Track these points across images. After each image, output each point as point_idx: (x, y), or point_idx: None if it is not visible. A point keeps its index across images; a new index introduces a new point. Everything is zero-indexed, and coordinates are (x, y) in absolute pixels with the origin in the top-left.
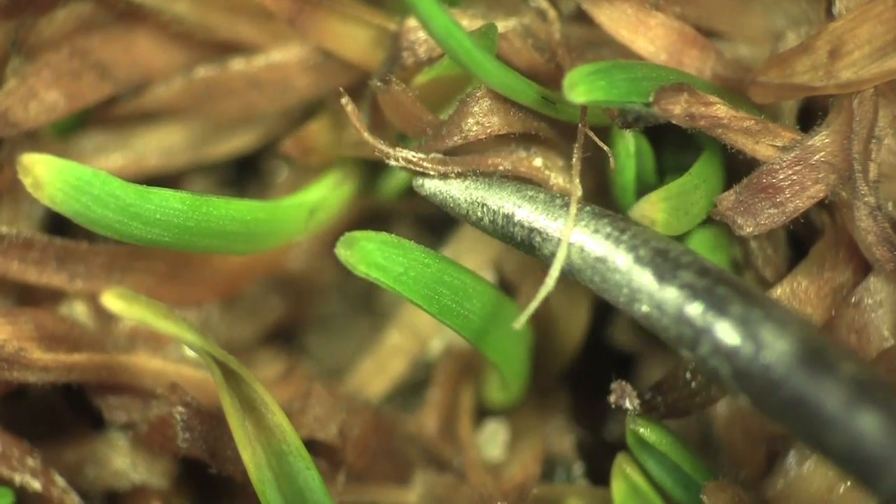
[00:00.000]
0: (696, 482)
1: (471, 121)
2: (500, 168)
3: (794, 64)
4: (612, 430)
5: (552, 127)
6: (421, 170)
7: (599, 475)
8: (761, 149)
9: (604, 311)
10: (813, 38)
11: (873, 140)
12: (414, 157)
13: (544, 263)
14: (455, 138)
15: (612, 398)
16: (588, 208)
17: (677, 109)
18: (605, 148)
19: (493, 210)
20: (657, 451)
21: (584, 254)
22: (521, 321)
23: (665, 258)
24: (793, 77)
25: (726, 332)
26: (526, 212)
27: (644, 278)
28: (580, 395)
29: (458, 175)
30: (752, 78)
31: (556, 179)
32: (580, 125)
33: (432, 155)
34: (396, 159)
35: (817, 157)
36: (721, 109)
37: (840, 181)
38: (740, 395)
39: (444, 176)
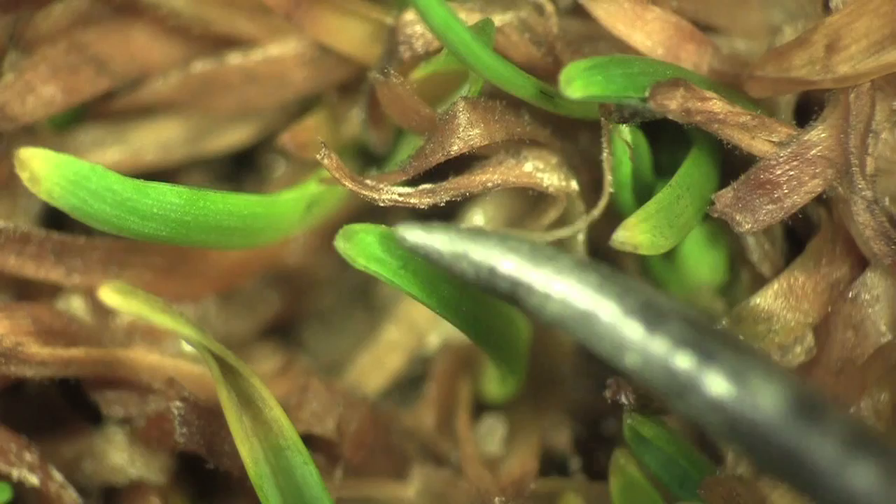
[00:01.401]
0: (694, 477)
1: (451, 137)
2: (490, 184)
3: (791, 58)
4: (609, 425)
5: (543, 124)
6: (410, 205)
7: (597, 470)
8: (757, 144)
9: None
10: (810, 32)
11: (870, 134)
12: (402, 194)
13: (529, 316)
14: (437, 156)
15: (609, 393)
16: (574, 259)
17: (673, 105)
18: (626, 142)
19: (477, 262)
20: (654, 446)
21: (568, 306)
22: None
23: (651, 309)
24: (790, 71)
25: (715, 384)
26: (510, 263)
27: (630, 331)
28: (578, 390)
29: (441, 227)
30: (749, 72)
31: (551, 180)
32: (602, 119)
33: (421, 187)
34: (384, 201)
35: (814, 151)
36: (717, 105)
37: (837, 176)
38: (732, 446)
39: (427, 228)
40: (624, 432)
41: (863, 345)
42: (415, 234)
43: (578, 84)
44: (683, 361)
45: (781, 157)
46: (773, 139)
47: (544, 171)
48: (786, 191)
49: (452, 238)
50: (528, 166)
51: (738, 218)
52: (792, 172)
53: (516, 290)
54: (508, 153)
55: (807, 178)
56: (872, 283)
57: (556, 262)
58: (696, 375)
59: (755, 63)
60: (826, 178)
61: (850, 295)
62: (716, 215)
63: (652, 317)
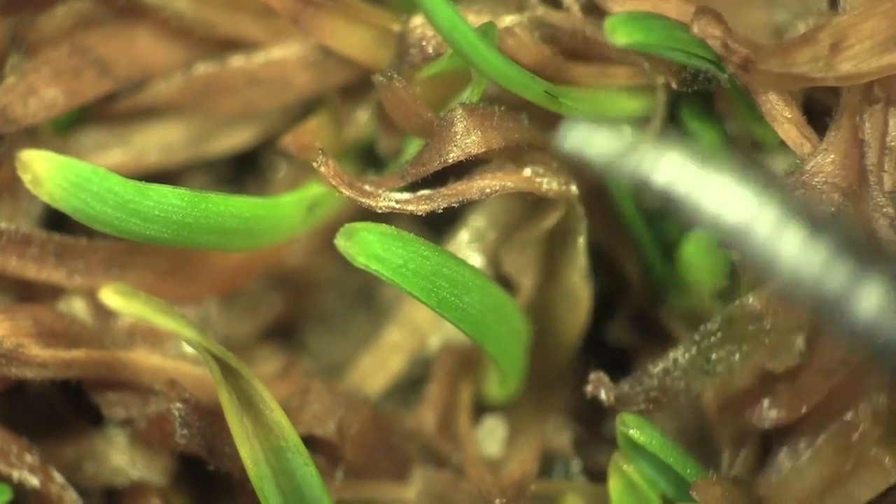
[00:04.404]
0: (689, 481)
1: (448, 145)
2: (488, 190)
3: (795, 54)
4: (610, 426)
5: (544, 128)
6: (408, 212)
7: (598, 472)
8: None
9: (604, 307)
10: (816, 30)
11: (886, 150)
12: (399, 200)
13: (687, 223)
14: (435, 164)
15: (589, 388)
16: (729, 161)
17: (717, 32)
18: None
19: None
20: (648, 452)
21: (725, 210)
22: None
23: (811, 215)
24: (793, 67)
25: (870, 297)
26: (671, 163)
27: (790, 237)
28: (578, 392)
29: (604, 126)
30: (753, 65)
31: (550, 185)
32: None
33: (419, 193)
34: (381, 207)
35: (818, 178)
36: (751, 54)
37: (845, 199)
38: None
39: (589, 128)
40: (617, 438)
41: None
42: (576, 135)
43: (623, 30)
44: (839, 272)
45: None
46: (787, 115)
47: (543, 176)
48: None
49: (615, 137)
50: (527, 171)
51: None
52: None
53: (673, 190)
54: (508, 157)
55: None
56: None
57: (715, 162)
58: (850, 288)
59: (759, 57)
60: (833, 202)
61: None
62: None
63: (810, 224)
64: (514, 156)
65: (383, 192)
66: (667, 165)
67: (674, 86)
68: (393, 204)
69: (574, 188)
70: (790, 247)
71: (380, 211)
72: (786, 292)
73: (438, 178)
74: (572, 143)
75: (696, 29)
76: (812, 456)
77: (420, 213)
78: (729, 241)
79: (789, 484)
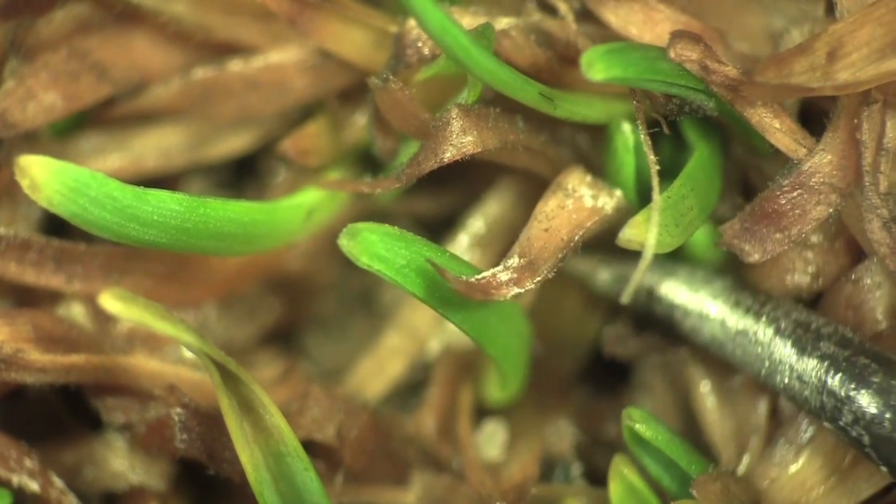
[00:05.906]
0: (693, 477)
1: (444, 144)
2: (577, 237)
3: (792, 64)
4: (610, 430)
5: (538, 131)
6: (524, 290)
7: (598, 475)
8: (763, 120)
9: (606, 313)
10: (812, 39)
11: (882, 152)
12: (513, 281)
13: (685, 339)
14: (430, 164)
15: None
16: (729, 281)
17: (694, 55)
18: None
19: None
20: (653, 448)
21: (725, 328)
22: (626, 295)
23: (806, 330)
24: (790, 77)
25: (867, 402)
26: (667, 287)
27: (785, 350)
28: (579, 396)
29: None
30: (749, 77)
31: (606, 203)
32: (634, 103)
33: (518, 264)
34: (503, 296)
35: (815, 179)
36: (733, 71)
37: (841, 199)
38: (880, 465)
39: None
40: (623, 433)
41: (860, 329)
42: (580, 263)
43: (600, 66)
44: (835, 382)
45: (784, 186)
46: (777, 125)
47: (597, 197)
48: (791, 219)
49: (612, 264)
50: (588, 200)
51: (747, 248)
52: (796, 201)
53: (673, 314)
54: (558, 191)
55: (810, 207)
56: (876, 270)
57: (712, 286)
58: (847, 396)
59: (756, 69)
60: (830, 203)
61: (853, 276)
62: (723, 248)
63: (805, 337)
64: (560, 186)
65: (496, 281)
66: (660, 287)
67: (659, 113)
68: (515, 290)
69: (619, 192)
70: (787, 356)
71: (500, 298)
72: (787, 397)
73: (437, 181)
74: (574, 268)
75: (672, 54)
76: (812, 452)
77: (529, 288)
78: (729, 353)
79: (788, 480)
